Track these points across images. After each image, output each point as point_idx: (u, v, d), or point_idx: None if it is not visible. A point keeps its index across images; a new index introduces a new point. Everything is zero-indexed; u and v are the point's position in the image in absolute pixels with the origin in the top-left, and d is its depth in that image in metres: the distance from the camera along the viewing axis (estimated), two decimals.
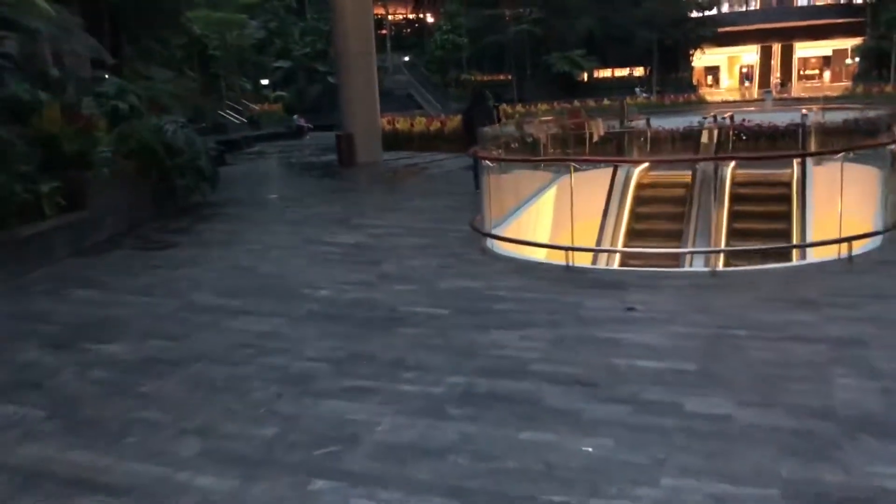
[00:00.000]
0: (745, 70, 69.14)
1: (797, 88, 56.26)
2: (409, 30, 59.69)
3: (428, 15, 61.08)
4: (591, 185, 12.73)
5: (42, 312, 6.30)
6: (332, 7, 19.94)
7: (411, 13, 61.23)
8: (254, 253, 8.51)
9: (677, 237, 11.65)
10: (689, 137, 13.80)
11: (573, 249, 7.09)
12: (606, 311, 5.66)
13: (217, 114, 34.28)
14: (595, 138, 16.24)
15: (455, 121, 22.99)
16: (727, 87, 64.83)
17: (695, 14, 52.41)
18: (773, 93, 46.81)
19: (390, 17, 56.44)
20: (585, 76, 53.20)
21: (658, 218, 12.66)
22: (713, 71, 66.29)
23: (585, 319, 5.46)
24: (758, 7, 57.20)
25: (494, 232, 8.44)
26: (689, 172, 12.78)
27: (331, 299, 6.34)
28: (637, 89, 51.09)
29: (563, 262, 7.15)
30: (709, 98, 48.24)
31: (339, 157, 19.50)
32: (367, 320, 5.65)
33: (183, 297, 6.64)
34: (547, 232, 11.83)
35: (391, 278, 6.98)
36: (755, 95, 52.72)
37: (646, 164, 14.02)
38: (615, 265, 10.32)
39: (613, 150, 15.02)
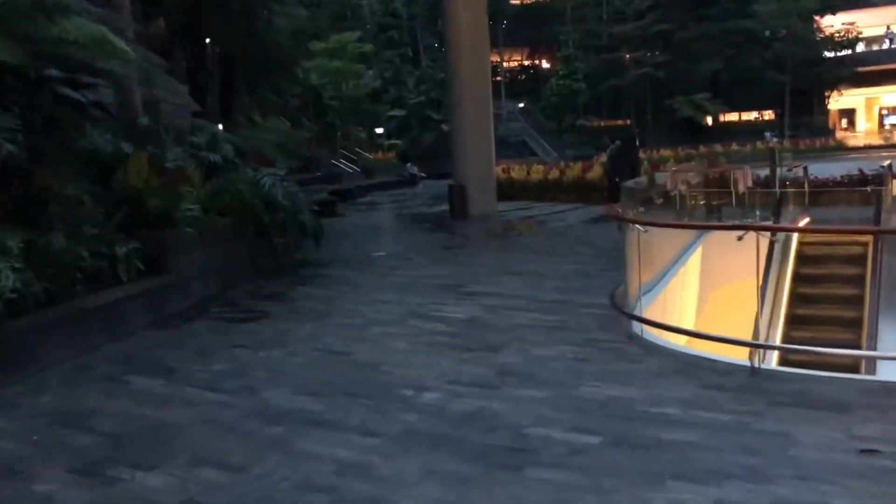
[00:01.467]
0: (884, 112, 64.07)
1: None
2: (523, 76, 58.87)
3: (543, 61, 60.13)
4: (739, 244, 10.70)
5: (89, 411, 5.14)
6: (447, 51, 19.01)
7: (526, 59, 60.46)
8: (350, 330, 7.20)
9: (854, 326, 9.38)
10: (866, 190, 11.56)
11: (762, 347, 5.30)
12: (831, 451, 3.89)
13: (331, 163, 34.19)
14: (742, 189, 14.26)
15: (575, 169, 21.43)
16: (865, 131, 59.98)
17: (830, 54, 48.72)
18: None
19: (505, 64, 55.82)
20: (710, 120, 50.38)
21: (826, 301, 10.34)
22: (848, 114, 61.63)
23: (805, 466, 3.71)
24: None
25: (637, 306, 6.77)
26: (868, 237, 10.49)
27: (437, 408, 4.87)
28: (767, 134, 47.74)
29: (743, 361, 5.40)
30: (850, 143, 44.45)
31: (450, 208, 18.32)
32: (484, 450, 4.13)
33: (257, 394, 5.34)
34: (694, 305, 9.98)
35: (514, 376, 5.44)
36: None
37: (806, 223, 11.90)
38: (773, 362, 8.10)
39: (769, 206, 12.95)
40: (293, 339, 6.95)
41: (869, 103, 62.46)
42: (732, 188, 13.96)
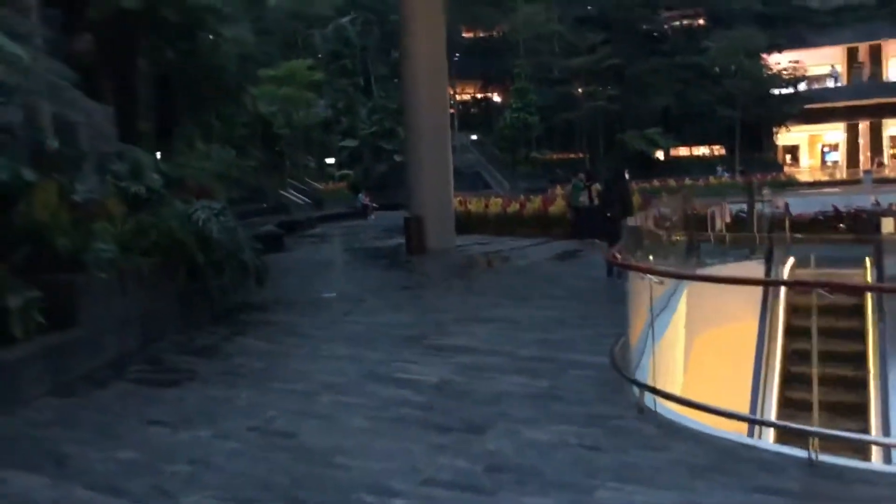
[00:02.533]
0: (826, 149, 65.56)
1: (892, 168, 52.35)
2: (475, 108, 58.43)
3: (495, 94, 59.87)
4: (724, 294, 9.67)
5: None
6: (403, 78, 17.99)
7: (478, 92, 60.12)
8: (296, 399, 5.91)
9: (857, 413, 8.41)
10: (860, 228, 10.76)
11: (817, 435, 4.20)
12: None
13: (280, 193, 32.76)
14: (719, 225, 13.48)
15: (536, 202, 20.52)
16: (808, 167, 61.12)
17: (778, 91, 49.52)
18: (873, 173, 43.12)
19: (458, 96, 55.27)
20: (661, 154, 50.58)
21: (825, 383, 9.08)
22: (792, 150, 62.80)
23: None
24: (846, 83, 53.98)
25: (647, 372, 5.67)
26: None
27: None
28: (718, 168, 48.19)
29: (793, 449, 4.31)
30: (799, 178, 44.95)
31: (407, 242, 17.14)
32: None
33: (171, 502, 4.04)
34: (680, 365, 8.93)
35: (509, 472, 4.25)
36: (845, 176, 49.11)
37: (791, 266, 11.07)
38: (770, 440, 6.76)
39: (749, 243, 12.17)
40: (224, 412, 5.63)
41: (812, 140, 63.78)
42: (709, 225, 13.21)
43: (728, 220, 13.44)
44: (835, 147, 66.78)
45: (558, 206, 19.42)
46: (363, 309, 10.06)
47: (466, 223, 20.63)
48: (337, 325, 8.98)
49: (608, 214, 12.17)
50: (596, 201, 17.12)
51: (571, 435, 4.81)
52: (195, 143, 23.62)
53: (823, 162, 62.53)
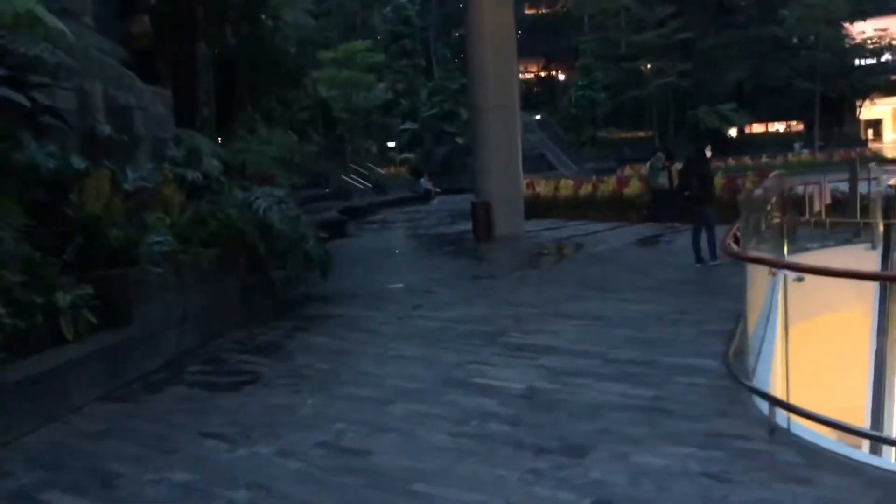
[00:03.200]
0: None
1: None
2: (539, 87, 57.10)
3: (559, 72, 58.41)
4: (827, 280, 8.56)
5: None
6: (468, 55, 17.20)
7: (542, 70, 58.75)
8: (366, 408, 5.29)
9: None
10: None
11: None
12: None
13: (341, 178, 32.46)
14: (818, 207, 12.29)
15: (610, 184, 19.51)
16: (892, 142, 57.83)
17: (862, 61, 46.74)
18: None
19: (520, 76, 54.05)
20: (735, 132, 48.43)
21: None
22: (874, 125, 59.50)
23: None
24: None
25: (780, 384, 4.84)
26: None
27: None
28: (796, 145, 45.92)
29: None
30: (886, 154, 42.37)
31: (474, 228, 16.43)
32: None
33: None
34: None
35: None
36: None
37: None
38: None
39: (854, 225, 11.03)
40: (288, 424, 5.05)
41: None
42: (806, 207, 12.05)
43: (829, 201, 12.25)
44: None
45: (634, 187, 18.41)
46: (432, 302, 9.41)
47: (535, 207, 19.80)
48: (406, 321, 8.35)
49: (685, 194, 11.20)
50: (676, 182, 16.12)
51: (691, 460, 4.04)
52: (257, 128, 23.39)
53: None
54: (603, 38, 48.50)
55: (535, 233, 16.87)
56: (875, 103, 49.39)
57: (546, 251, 13.74)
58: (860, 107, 48.77)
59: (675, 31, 46.02)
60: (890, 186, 10.35)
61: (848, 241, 11.12)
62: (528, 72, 58.26)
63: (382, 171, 36.14)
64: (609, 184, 19.39)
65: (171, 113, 9.26)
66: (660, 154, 17.04)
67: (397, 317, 8.54)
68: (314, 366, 6.59)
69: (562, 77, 57.53)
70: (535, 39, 52.26)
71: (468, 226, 17.26)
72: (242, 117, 18.18)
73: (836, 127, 47.56)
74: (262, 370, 6.50)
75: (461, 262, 13.26)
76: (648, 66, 48.29)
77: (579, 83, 46.37)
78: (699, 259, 10.92)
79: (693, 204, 11.10)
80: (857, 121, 50.09)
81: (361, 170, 35.16)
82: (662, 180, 16.12)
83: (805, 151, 43.98)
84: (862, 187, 12.58)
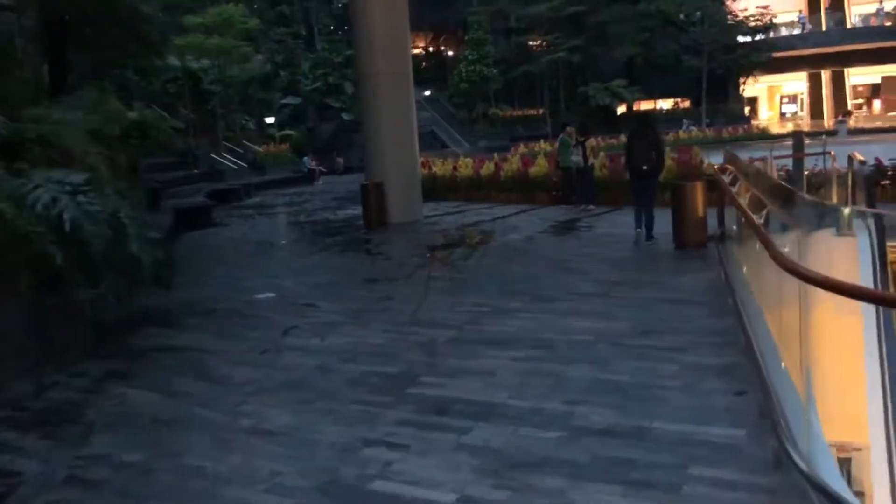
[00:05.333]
0: (784, 100, 64.13)
1: (857, 118, 50.70)
2: (427, 62, 54.71)
3: (448, 47, 56.26)
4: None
5: None
6: (353, 13, 14.70)
7: (430, 45, 56.43)
8: None
9: None
10: None
11: None
12: None
13: (212, 157, 29.16)
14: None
15: (514, 163, 17.55)
16: (768, 119, 59.40)
17: (746, 38, 47.08)
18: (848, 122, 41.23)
19: None
20: (625, 108, 47.88)
21: None
22: (751, 102, 60.93)
23: None
24: (812, 29, 51.84)
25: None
26: None
27: None
28: (685, 122, 45.79)
29: None
30: (771, 130, 42.84)
31: (365, 214, 14.10)
32: None
33: None
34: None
35: None
36: (808, 126, 47.15)
37: None
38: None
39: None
40: None
41: (771, 91, 62.02)
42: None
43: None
44: (793, 98, 65.38)
45: (540, 166, 16.53)
46: (312, 321, 7.03)
47: (432, 189, 17.65)
48: (273, 356, 5.95)
49: (643, 168, 9.70)
50: (591, 160, 14.34)
51: None
52: (108, 101, 20.01)
53: (782, 114, 61.01)
54: (493, 11, 46.59)
55: (434, 218, 14.71)
56: (758, 80, 50.11)
57: (451, 241, 11.58)
58: (743, 84, 49.26)
59: (565, 5, 44.65)
60: (873, 165, 8.80)
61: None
62: (416, 46, 55.78)
63: (260, 149, 32.90)
64: (513, 163, 17.43)
65: None
66: (569, 129, 15.18)
67: (261, 349, 6.12)
68: (116, 456, 4.13)
69: (451, 53, 55.41)
70: (423, 11, 49.71)
71: (357, 210, 14.95)
72: (84, 89, 14.93)
73: (721, 104, 47.83)
74: (25, 469, 3.99)
75: (350, 259, 10.88)
76: (540, 40, 46.84)
77: (469, 57, 44.35)
78: (651, 237, 9.87)
79: (645, 178, 9.88)
80: (741, 98, 50.69)
81: (236, 148, 31.85)
82: (576, 157, 14.27)
83: (693, 128, 43.88)
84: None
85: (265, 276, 9.64)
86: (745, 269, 6.47)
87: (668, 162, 13.94)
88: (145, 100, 28.11)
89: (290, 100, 38.66)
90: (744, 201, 5.93)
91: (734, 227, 8.70)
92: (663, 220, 9.61)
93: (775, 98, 62.95)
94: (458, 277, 8.75)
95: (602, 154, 15.64)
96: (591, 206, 14.09)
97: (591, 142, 14.43)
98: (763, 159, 10.27)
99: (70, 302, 6.00)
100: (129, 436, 4.41)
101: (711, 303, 6.57)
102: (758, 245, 5.82)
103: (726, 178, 7.66)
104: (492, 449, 3.85)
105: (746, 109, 57.43)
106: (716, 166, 10.15)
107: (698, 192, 9.39)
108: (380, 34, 13.97)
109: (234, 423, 4.49)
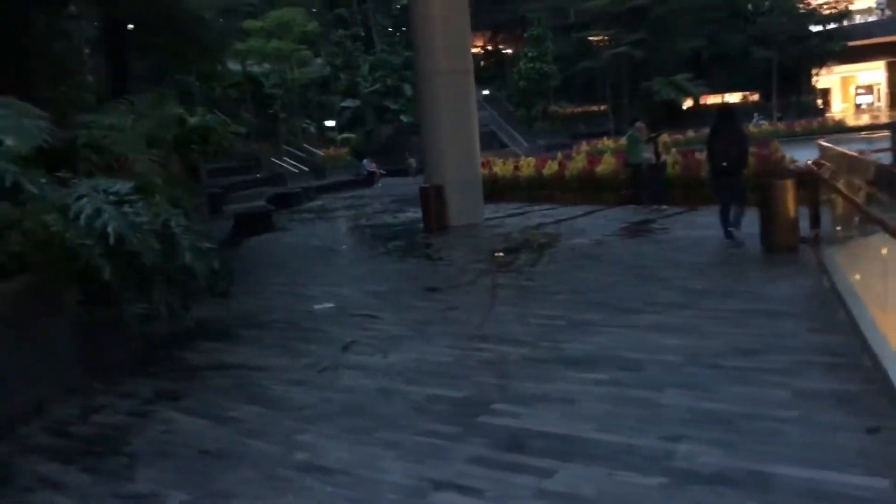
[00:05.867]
0: (860, 91, 61.34)
1: None
2: (485, 61, 54.18)
3: (506, 45, 55.59)
4: None
5: None
6: (413, 12, 14.24)
7: (488, 44, 55.87)
8: None
9: None
10: None
11: None
12: None
13: (273, 161, 29.22)
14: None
15: (579, 161, 16.86)
16: (842, 111, 56.82)
17: (818, 27, 45.13)
18: None
19: None
20: (691, 103, 46.43)
21: None
22: (824, 94, 58.39)
23: None
24: (891, 15, 49.36)
25: None
26: None
27: None
28: (755, 115, 44.10)
29: None
30: (848, 122, 40.85)
31: (424, 218, 13.65)
32: None
33: None
34: None
35: None
36: (886, 117, 44.80)
37: None
38: None
39: None
40: None
41: (845, 82, 59.42)
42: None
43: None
44: (868, 89, 62.51)
45: (607, 164, 15.80)
46: (372, 334, 6.59)
47: (492, 190, 17.10)
48: (331, 376, 5.51)
49: (723, 165, 8.98)
50: (664, 156, 13.58)
51: None
52: (162, 105, 20.08)
53: (857, 105, 58.29)
54: (552, 7, 45.78)
55: (495, 220, 14.18)
56: (832, 71, 47.98)
57: (515, 245, 11.02)
58: (816, 75, 47.26)
59: None
60: None
61: None
62: (473, 45, 55.29)
63: (321, 153, 32.92)
64: (578, 161, 16.74)
65: None
66: (639, 124, 14.44)
67: (319, 367, 5.69)
68: (159, 496, 3.72)
69: (509, 51, 54.73)
70: (480, 10, 49.25)
71: (417, 213, 14.53)
72: (140, 92, 14.92)
73: (793, 96, 45.97)
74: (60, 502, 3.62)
75: (410, 265, 10.43)
76: (600, 36, 45.81)
77: (529, 54, 43.65)
78: (730, 235, 9.20)
79: (729, 175, 9.13)
80: (813, 90, 48.63)
81: (297, 152, 31.91)
82: (647, 154, 13.54)
83: (764, 122, 42.21)
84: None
85: (324, 284, 9.27)
86: (857, 276, 5.75)
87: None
88: (207, 105, 28.30)
89: (349, 103, 38.64)
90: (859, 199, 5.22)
91: (837, 229, 7.94)
92: (747, 222, 8.89)
93: (850, 89, 60.30)
94: (526, 285, 8.18)
95: (674, 150, 14.82)
96: (664, 206, 13.34)
97: (664, 137, 13.68)
98: (860, 153, 9.39)
99: (119, 316, 5.68)
100: (174, 471, 4.01)
101: (815, 315, 5.86)
102: (885, 250, 5.13)
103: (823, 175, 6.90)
104: (582, 498, 3.30)
105: (819, 102, 55.17)
106: (809, 161, 9.28)
107: (789, 191, 8.60)
108: (440, 31, 13.50)
109: (288, 456, 4.05)
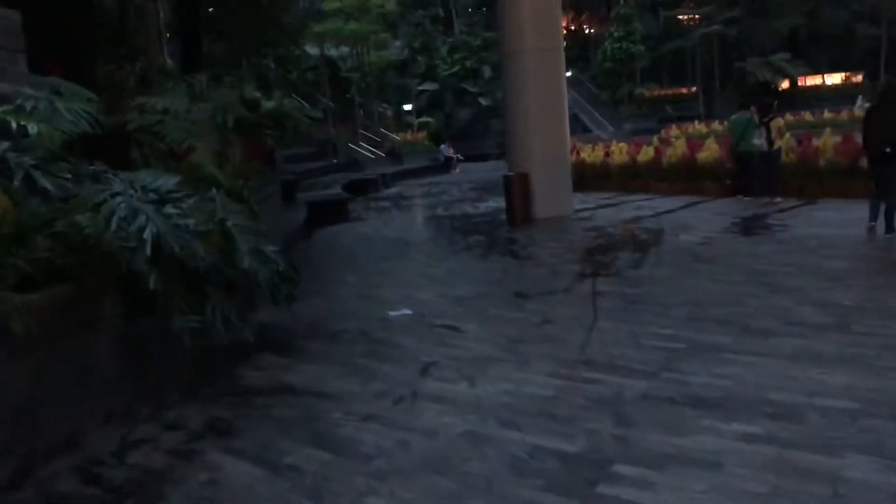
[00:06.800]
0: None
1: None
2: (568, 42, 52.43)
3: (591, 25, 53.64)
4: None
5: None
6: None
7: (571, 23, 54.03)
8: None
9: None
10: None
11: None
12: None
13: (350, 147, 28.69)
14: None
15: (678, 147, 15.50)
16: None
17: None
18: None
19: None
20: (787, 85, 43.65)
21: None
22: None
23: None
24: None
25: None
26: None
27: None
28: (859, 99, 41.04)
29: None
30: None
31: (508, 209, 12.65)
32: None
33: None
34: None
35: None
36: None
37: None
38: None
39: None
40: None
41: None
42: None
43: None
44: None
45: (710, 150, 14.42)
46: (456, 352, 5.66)
47: (580, 178, 15.92)
48: (408, 409, 4.60)
49: (887, 150, 8.09)
50: (777, 143, 12.16)
51: None
52: (244, 90, 19.64)
53: None
54: None
55: (586, 212, 13.07)
56: None
57: (612, 243, 9.92)
58: None
59: None
60: None
61: None
62: None
63: (398, 138, 32.23)
64: (678, 147, 15.38)
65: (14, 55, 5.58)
66: (748, 108, 13.02)
67: (395, 396, 4.80)
68: None
69: (593, 31, 52.78)
70: None
71: (499, 202, 13.58)
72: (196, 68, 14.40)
73: None
74: None
75: (494, 264, 9.45)
76: (691, 14, 43.48)
77: (615, 34, 41.79)
78: (892, 228, 8.39)
79: (888, 162, 8.22)
80: None
81: (374, 137, 31.31)
82: (759, 140, 12.15)
83: (868, 105, 39.25)
84: None
85: (400, 285, 8.41)
86: None
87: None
88: (284, 89, 27.96)
89: (427, 86, 37.84)
90: None
91: None
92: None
93: None
94: (631, 293, 7.09)
95: (788, 136, 13.33)
96: (778, 199, 11.97)
97: (778, 121, 12.24)
98: None
99: (168, 330, 4.94)
100: None
101: None
102: None
103: None
104: None
105: None
106: None
107: None
108: (529, 4, 12.42)
109: None
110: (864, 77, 44.39)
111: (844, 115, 35.34)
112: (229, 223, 5.25)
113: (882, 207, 8.38)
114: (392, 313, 7.05)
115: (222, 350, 5.76)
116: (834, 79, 46.22)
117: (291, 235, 11.38)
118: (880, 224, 8.40)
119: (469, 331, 6.25)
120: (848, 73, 45.67)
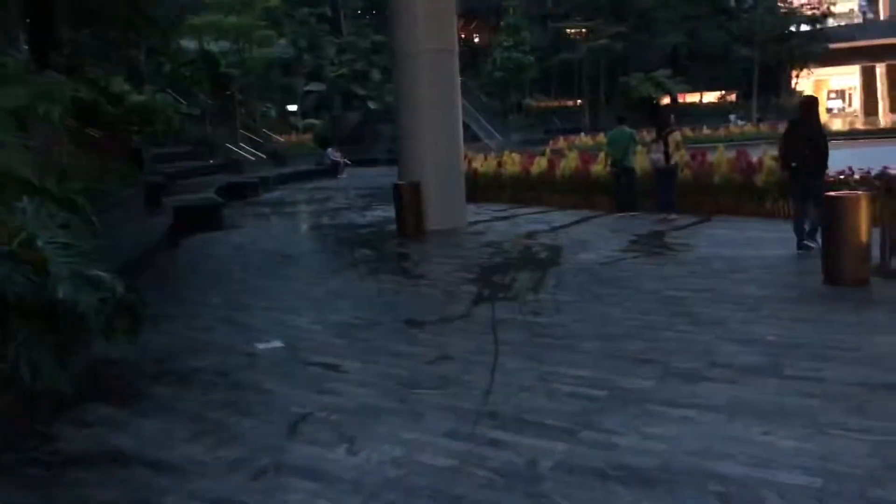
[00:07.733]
0: (832, 96, 61.12)
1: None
2: (458, 49, 52.30)
3: (480, 34, 53.68)
4: None
5: None
6: None
7: (462, 31, 53.88)
8: None
9: None
10: None
11: None
12: None
13: (229, 147, 26.96)
14: None
15: (572, 160, 15.09)
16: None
17: (801, 28, 44.08)
18: None
19: None
20: (668, 101, 45.09)
21: None
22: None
23: None
24: (873, 18, 48.65)
25: None
26: None
27: None
28: (732, 117, 43.00)
29: None
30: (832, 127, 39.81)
31: (398, 220, 11.76)
32: None
33: None
34: None
35: None
36: (862, 125, 44.02)
37: None
38: None
39: None
40: None
41: (817, 86, 58.85)
42: None
43: None
44: (840, 94, 62.31)
45: (604, 164, 14.06)
46: (334, 402, 4.67)
47: (473, 189, 15.22)
48: (269, 488, 3.58)
49: (792, 165, 8.15)
50: (674, 158, 11.87)
51: None
52: (108, 83, 17.85)
53: (828, 110, 57.79)
54: None
55: (480, 225, 12.39)
56: (812, 73, 47.06)
57: (509, 261, 9.19)
58: (796, 76, 46.28)
59: None
60: None
61: None
62: None
63: (282, 139, 30.71)
64: (571, 160, 14.97)
65: None
66: (625, 122, 12.81)
67: (254, 468, 3.76)
68: None
69: (483, 40, 52.80)
70: None
71: (388, 212, 12.72)
72: (58, 63, 12.69)
73: (772, 98, 44.89)
74: None
75: (384, 284, 8.49)
76: (579, 28, 44.16)
77: (504, 44, 41.80)
78: (803, 246, 8.28)
79: (802, 177, 8.20)
80: (793, 91, 47.66)
81: (256, 137, 29.66)
82: (656, 155, 11.83)
83: (742, 123, 41.08)
84: None
85: (273, 309, 7.32)
86: None
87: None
88: (158, 84, 25.95)
89: (314, 86, 36.46)
90: None
91: None
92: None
93: (822, 93, 59.79)
94: (536, 323, 6.33)
95: (683, 151, 13.12)
96: (673, 216, 11.64)
97: (676, 136, 11.94)
98: None
99: None
100: None
101: None
102: None
103: None
104: None
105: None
106: None
107: (861, 209, 6.93)
108: (424, 3, 11.61)
109: None
110: (737, 96, 46.55)
111: (721, 131, 36.76)
112: (40, 241, 4.06)
113: (807, 224, 8.22)
114: (260, 346, 5.96)
115: (43, 397, 4.56)
116: (710, 97, 48.24)
117: (152, 247, 9.99)
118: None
119: (351, 370, 5.28)
120: (724, 92, 47.78)
